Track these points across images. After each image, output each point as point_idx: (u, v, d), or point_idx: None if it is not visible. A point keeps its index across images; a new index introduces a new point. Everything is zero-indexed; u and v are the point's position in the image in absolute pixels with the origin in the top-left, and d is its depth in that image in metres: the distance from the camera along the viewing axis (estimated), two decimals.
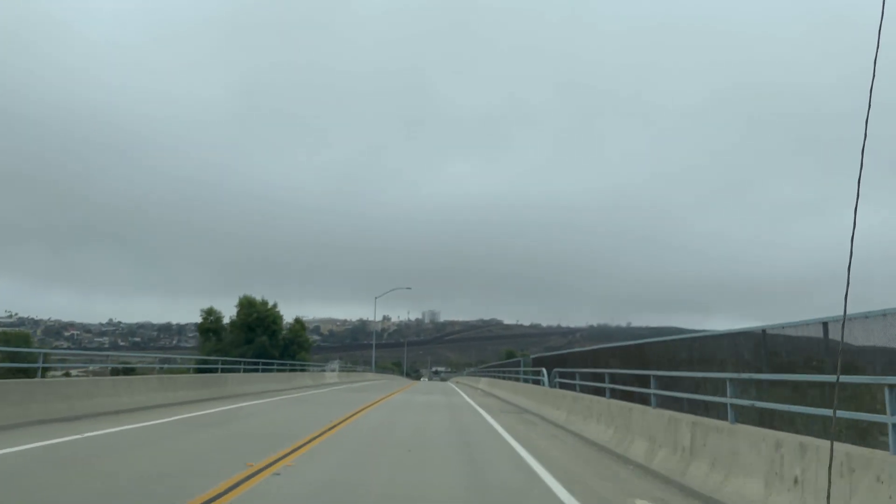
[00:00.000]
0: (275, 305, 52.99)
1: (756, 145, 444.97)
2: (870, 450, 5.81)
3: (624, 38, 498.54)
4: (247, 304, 51.08)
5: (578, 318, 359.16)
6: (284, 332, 53.82)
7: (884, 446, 5.83)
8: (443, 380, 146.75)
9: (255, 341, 50.01)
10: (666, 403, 11.30)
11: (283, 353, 51.39)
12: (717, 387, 9.35)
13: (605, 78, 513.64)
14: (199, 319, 51.06)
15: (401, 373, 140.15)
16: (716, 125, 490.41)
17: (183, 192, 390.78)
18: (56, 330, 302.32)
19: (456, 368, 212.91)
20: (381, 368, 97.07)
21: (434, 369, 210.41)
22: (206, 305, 54.35)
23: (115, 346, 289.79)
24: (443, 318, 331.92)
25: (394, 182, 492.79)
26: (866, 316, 6.55)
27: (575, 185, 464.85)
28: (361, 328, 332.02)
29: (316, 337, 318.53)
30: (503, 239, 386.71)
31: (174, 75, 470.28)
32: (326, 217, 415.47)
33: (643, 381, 12.47)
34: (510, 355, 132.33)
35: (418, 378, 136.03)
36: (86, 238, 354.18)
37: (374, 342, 71.96)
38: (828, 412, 6.44)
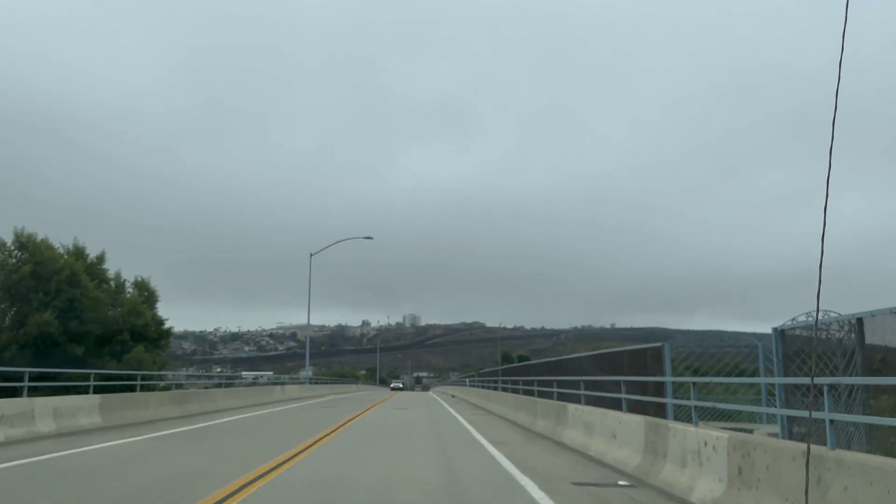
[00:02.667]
0: (102, 260, 25.26)
1: (744, 129, 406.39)
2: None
3: (603, 10, 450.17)
4: (18, 248, 23.42)
5: (562, 319, 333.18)
6: (119, 309, 26.11)
7: None
8: (425, 388, 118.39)
9: (29, 320, 22.54)
10: None
11: (98, 347, 24.09)
12: None
13: (581, 55, 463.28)
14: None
15: (374, 380, 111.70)
16: (703, 109, 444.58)
17: (130, 187, 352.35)
18: None
19: (439, 373, 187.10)
20: (338, 377, 68.68)
21: (416, 375, 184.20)
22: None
23: None
24: (424, 321, 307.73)
25: (352, 173, 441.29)
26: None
27: (550, 176, 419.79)
28: (340, 333, 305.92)
29: (293, 343, 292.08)
30: (479, 236, 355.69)
31: (111, 62, 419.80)
32: (283, 213, 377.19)
33: None
34: (506, 357, 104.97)
35: (393, 386, 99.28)
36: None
37: (308, 337, 43.31)
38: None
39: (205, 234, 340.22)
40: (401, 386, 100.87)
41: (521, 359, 74.85)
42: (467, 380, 48.87)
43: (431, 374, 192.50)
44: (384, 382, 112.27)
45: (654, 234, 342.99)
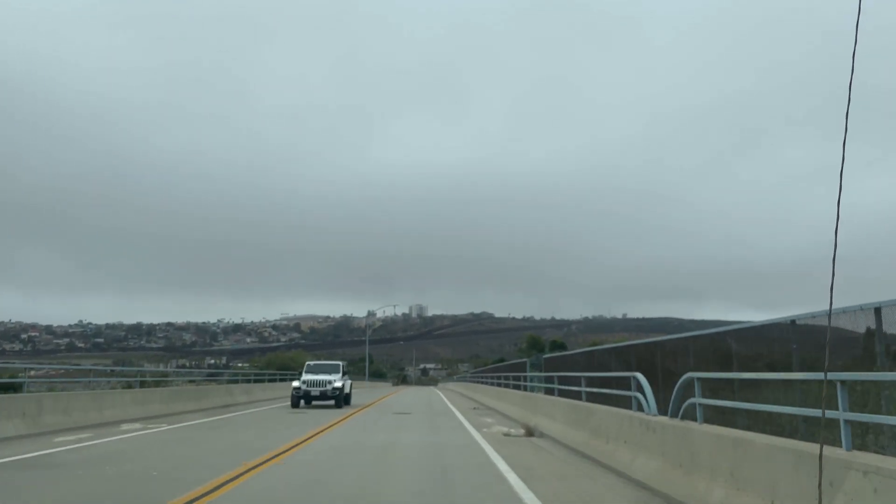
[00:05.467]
0: None
1: (763, 96, 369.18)
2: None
3: None
4: None
5: (572, 309, 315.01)
6: None
7: None
8: (432, 380, 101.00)
9: None
10: None
11: None
12: None
13: (584, 17, 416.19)
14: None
15: (365, 375, 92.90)
16: (717, 74, 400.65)
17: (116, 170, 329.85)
18: (14, 333, 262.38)
19: (447, 365, 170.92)
20: (277, 370, 49.62)
21: (422, 367, 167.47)
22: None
23: (73, 349, 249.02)
24: (430, 312, 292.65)
25: (330, 148, 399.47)
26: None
27: (554, 160, 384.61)
28: (345, 324, 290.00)
29: (296, 334, 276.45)
30: (484, 225, 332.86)
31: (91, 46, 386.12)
32: (276, 197, 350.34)
33: None
34: (535, 343, 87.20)
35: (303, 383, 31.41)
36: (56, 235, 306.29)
37: None
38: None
39: (202, 223, 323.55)
40: (337, 387, 26.45)
41: (554, 345, 57.11)
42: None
43: (439, 366, 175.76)
44: (380, 377, 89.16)
45: (663, 217, 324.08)
